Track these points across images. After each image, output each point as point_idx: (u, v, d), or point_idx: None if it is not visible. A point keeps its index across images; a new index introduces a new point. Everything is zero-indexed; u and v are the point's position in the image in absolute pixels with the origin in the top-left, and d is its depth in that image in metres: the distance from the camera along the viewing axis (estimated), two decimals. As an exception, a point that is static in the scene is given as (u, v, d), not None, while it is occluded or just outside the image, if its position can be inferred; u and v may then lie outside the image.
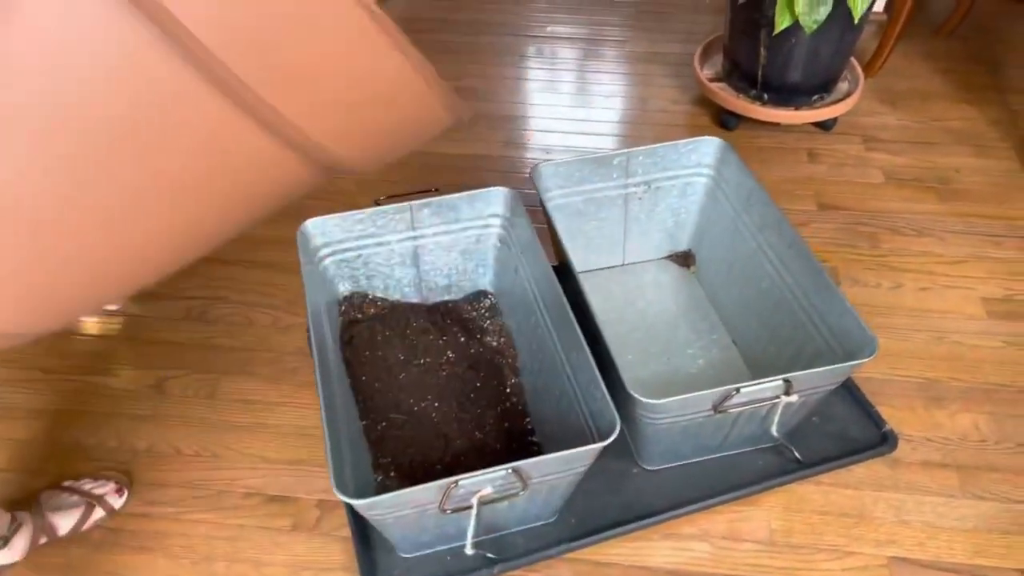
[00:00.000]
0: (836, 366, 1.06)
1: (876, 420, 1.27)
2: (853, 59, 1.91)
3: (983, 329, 1.44)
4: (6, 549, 1.12)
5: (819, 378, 1.07)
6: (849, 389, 1.32)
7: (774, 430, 1.14)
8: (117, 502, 1.21)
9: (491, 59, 2.21)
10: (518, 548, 1.14)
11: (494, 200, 1.34)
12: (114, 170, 0.58)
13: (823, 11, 1.58)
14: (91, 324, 1.49)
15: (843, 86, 1.91)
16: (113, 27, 0.52)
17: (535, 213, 1.33)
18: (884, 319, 1.46)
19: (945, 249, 1.60)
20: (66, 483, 1.22)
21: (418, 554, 1.13)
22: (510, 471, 0.96)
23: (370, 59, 0.60)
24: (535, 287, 1.26)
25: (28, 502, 1.20)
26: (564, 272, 1.25)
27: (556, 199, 1.41)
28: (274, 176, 0.65)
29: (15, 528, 1.13)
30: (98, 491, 1.21)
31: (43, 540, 1.16)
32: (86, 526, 1.18)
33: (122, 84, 0.54)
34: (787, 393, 1.07)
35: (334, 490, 0.92)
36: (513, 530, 1.16)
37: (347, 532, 1.16)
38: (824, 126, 1.91)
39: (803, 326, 1.22)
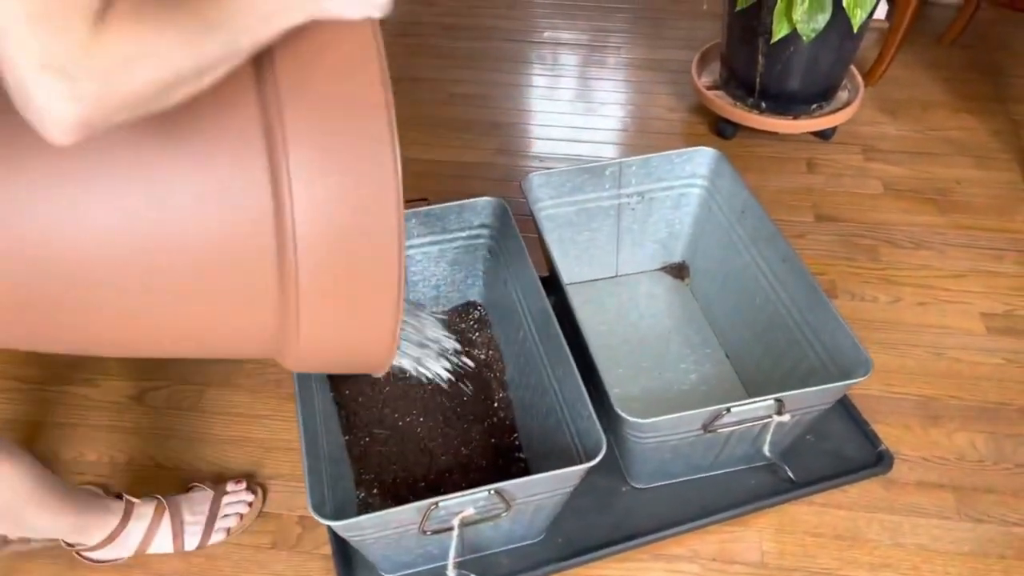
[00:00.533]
0: (829, 386, 1.04)
1: (871, 439, 1.25)
2: (853, 68, 1.89)
3: (982, 346, 1.41)
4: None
5: (812, 397, 1.05)
6: (844, 407, 1.29)
7: (766, 449, 1.11)
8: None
9: (486, 64, 2.19)
10: (503, 568, 1.11)
11: (483, 210, 1.31)
12: (157, 287, 0.68)
13: (821, 19, 1.56)
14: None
15: (843, 95, 1.88)
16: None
17: (528, 223, 1.31)
18: (881, 334, 1.43)
19: (944, 263, 1.57)
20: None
21: (400, 574, 1.10)
22: (492, 492, 0.94)
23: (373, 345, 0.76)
24: (523, 299, 1.24)
25: None
26: (554, 284, 1.23)
27: (547, 209, 1.39)
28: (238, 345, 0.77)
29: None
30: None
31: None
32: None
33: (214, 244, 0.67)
34: (779, 412, 1.05)
35: (310, 511, 0.90)
36: (498, 550, 1.13)
37: (329, 550, 1.13)
38: (823, 135, 1.88)
39: (797, 343, 1.20)
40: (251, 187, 0.66)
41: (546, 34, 2.32)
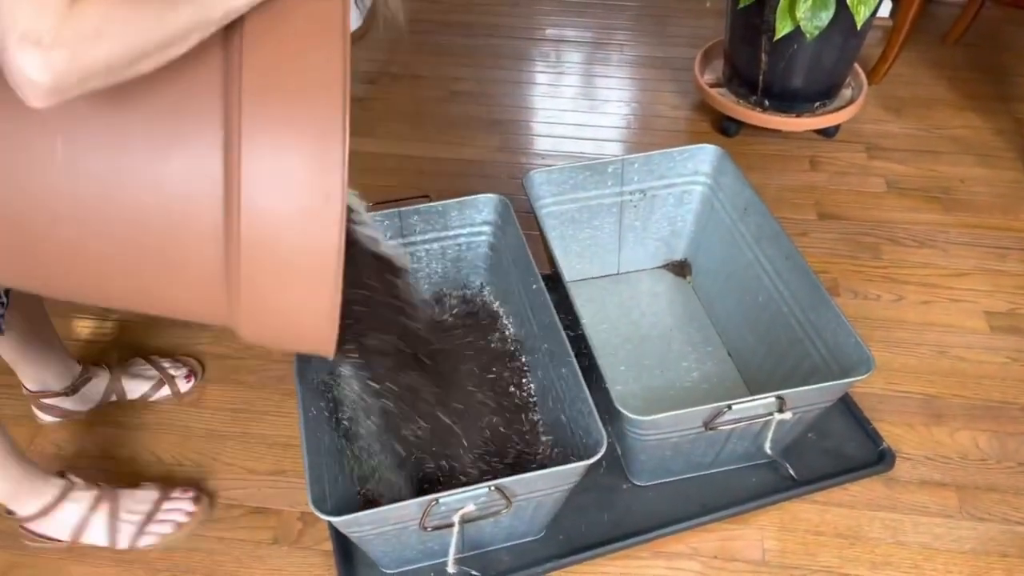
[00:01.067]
0: (830, 384, 1.03)
1: (873, 437, 1.24)
2: (857, 65, 1.88)
3: (986, 344, 1.41)
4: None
5: (813, 395, 1.05)
6: (847, 405, 1.29)
7: (767, 447, 1.11)
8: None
9: (487, 62, 2.19)
10: (503, 565, 1.11)
11: (484, 207, 1.31)
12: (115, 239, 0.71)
13: (825, 17, 1.55)
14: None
15: (846, 93, 1.88)
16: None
17: (529, 220, 1.31)
18: (884, 333, 1.43)
19: (948, 261, 1.57)
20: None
21: (401, 570, 1.10)
22: (493, 489, 0.94)
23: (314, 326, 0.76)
24: (525, 296, 1.23)
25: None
26: (556, 281, 1.22)
27: (549, 206, 1.39)
28: (190, 303, 0.78)
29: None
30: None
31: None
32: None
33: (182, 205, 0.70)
34: (780, 410, 1.04)
35: (311, 506, 0.90)
36: (499, 547, 1.13)
37: (330, 546, 1.13)
38: (826, 133, 1.88)
39: (800, 341, 1.20)
40: (205, 149, 0.68)
41: (549, 31, 2.32)
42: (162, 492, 1.17)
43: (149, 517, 1.14)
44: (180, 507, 1.16)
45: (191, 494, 1.18)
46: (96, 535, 1.12)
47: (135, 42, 0.59)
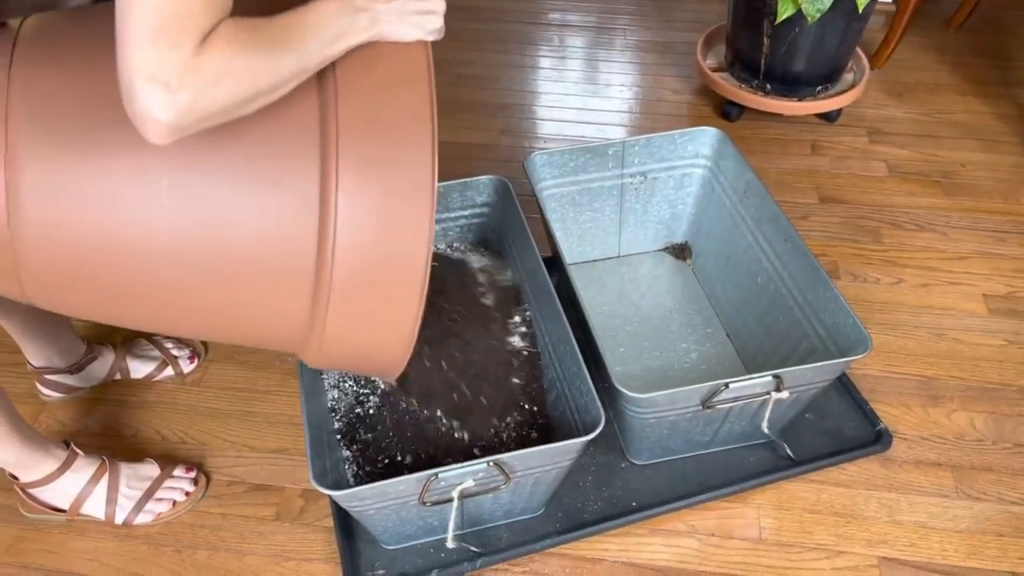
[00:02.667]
0: (827, 363, 1.04)
1: (871, 418, 1.25)
2: (859, 50, 1.88)
3: (984, 327, 1.41)
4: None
5: (810, 374, 1.05)
6: (844, 386, 1.30)
7: (765, 427, 1.12)
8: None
9: (491, 46, 2.19)
10: (502, 542, 1.12)
11: (485, 188, 1.32)
12: (207, 270, 0.75)
13: (827, 0, 1.55)
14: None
15: (848, 77, 1.88)
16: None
17: (531, 203, 1.31)
18: (883, 315, 1.43)
19: (948, 245, 1.57)
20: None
21: (401, 546, 1.12)
22: (492, 464, 0.95)
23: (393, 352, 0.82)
24: (525, 278, 1.24)
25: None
26: (556, 264, 1.23)
27: (550, 189, 1.39)
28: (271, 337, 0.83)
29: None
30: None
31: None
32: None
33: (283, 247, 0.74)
34: (778, 389, 1.05)
35: (311, 480, 0.91)
36: (498, 523, 1.14)
37: (331, 523, 1.15)
38: (828, 117, 1.88)
39: (798, 322, 1.20)
40: (302, 185, 0.72)
41: (553, 16, 2.31)
42: (164, 469, 1.18)
43: (148, 494, 1.15)
44: (180, 486, 1.17)
45: (192, 473, 1.19)
46: (94, 507, 1.13)
47: (248, 88, 0.65)
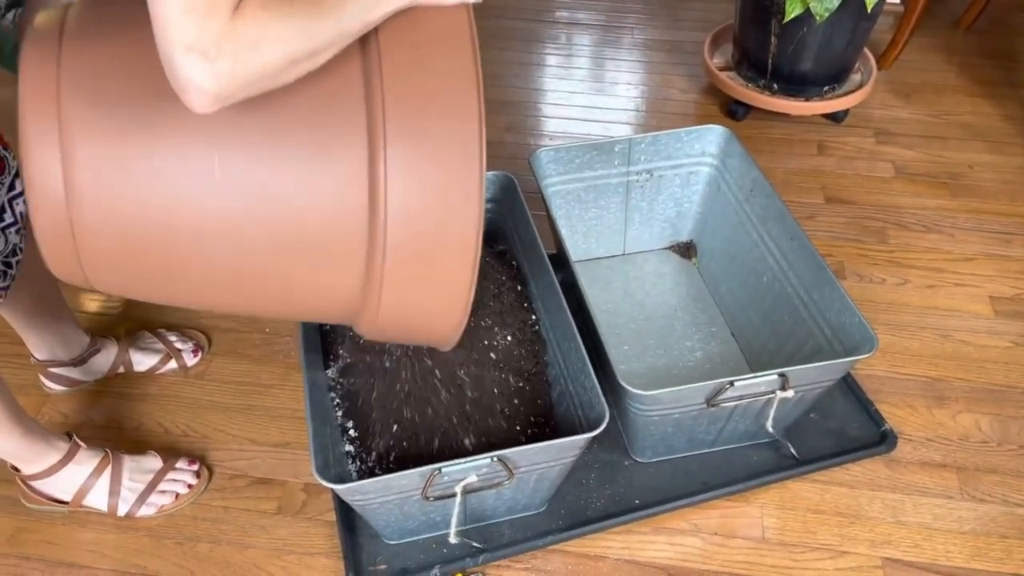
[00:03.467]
0: (832, 362, 1.04)
1: (875, 418, 1.25)
2: (867, 50, 1.87)
3: (990, 328, 1.41)
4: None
5: (815, 373, 1.05)
6: (849, 386, 1.29)
7: (769, 426, 1.12)
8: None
9: (497, 43, 2.18)
10: (505, 538, 1.12)
11: (490, 185, 1.31)
12: (261, 245, 0.75)
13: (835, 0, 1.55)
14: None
15: (855, 77, 1.87)
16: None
17: (536, 200, 1.31)
18: (889, 316, 1.43)
19: (954, 246, 1.57)
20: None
21: (403, 541, 1.11)
22: (495, 459, 0.94)
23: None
24: (530, 276, 1.24)
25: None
26: (561, 261, 1.23)
27: (555, 185, 1.39)
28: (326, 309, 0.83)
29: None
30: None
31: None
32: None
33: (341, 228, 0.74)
34: (783, 388, 1.05)
35: (314, 474, 0.91)
36: (501, 519, 1.14)
37: (333, 517, 1.14)
38: (835, 118, 1.87)
39: (803, 321, 1.20)
40: (350, 155, 0.72)
41: (560, 13, 2.31)
42: (167, 462, 1.18)
43: (151, 487, 1.15)
44: (182, 479, 1.17)
45: (195, 466, 1.19)
46: (97, 499, 1.13)
47: (286, 52, 0.65)
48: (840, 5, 1.56)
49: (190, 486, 1.17)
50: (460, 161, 0.72)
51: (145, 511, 1.14)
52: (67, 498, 1.13)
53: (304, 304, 0.81)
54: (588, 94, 2.01)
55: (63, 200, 0.71)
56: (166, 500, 1.15)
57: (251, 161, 0.72)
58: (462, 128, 0.72)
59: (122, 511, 1.14)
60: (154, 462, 1.17)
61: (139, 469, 1.16)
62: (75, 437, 1.14)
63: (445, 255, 0.75)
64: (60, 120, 0.70)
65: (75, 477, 1.12)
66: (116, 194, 0.72)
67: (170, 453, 1.21)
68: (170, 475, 1.17)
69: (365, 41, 0.73)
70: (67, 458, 1.11)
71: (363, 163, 0.72)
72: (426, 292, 0.78)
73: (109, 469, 1.13)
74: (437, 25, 0.74)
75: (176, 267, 0.76)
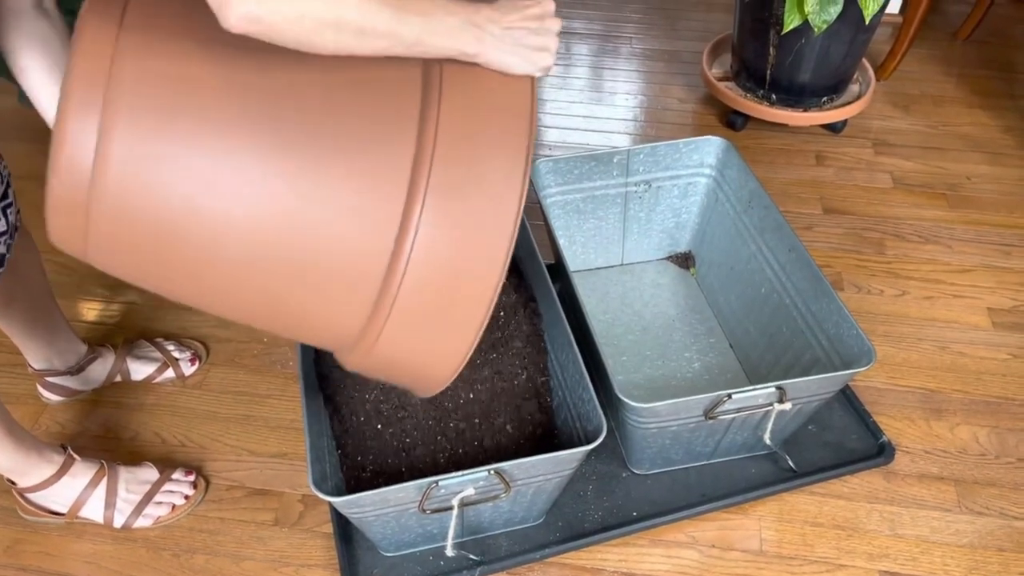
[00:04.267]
0: (830, 375, 1.04)
1: (873, 430, 1.25)
2: (865, 61, 1.88)
3: (988, 340, 1.41)
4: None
5: (813, 386, 1.05)
6: (847, 398, 1.29)
7: (767, 438, 1.11)
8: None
9: (498, 53, 2.19)
10: (502, 551, 1.12)
11: (490, 195, 1.31)
12: (274, 261, 0.73)
13: (833, 11, 1.55)
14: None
15: (854, 88, 1.88)
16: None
17: (534, 209, 1.31)
18: (887, 327, 1.43)
19: (952, 257, 1.57)
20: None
21: (400, 553, 1.11)
22: (492, 472, 0.94)
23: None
24: (529, 285, 1.24)
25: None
26: (560, 271, 1.23)
27: (553, 196, 1.39)
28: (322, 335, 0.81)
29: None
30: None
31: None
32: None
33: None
34: (780, 401, 1.05)
35: (311, 486, 0.91)
36: (498, 532, 1.14)
37: (330, 528, 1.14)
38: (833, 128, 1.88)
39: (801, 333, 1.20)
40: (390, 190, 0.71)
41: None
42: (163, 473, 1.18)
43: (147, 498, 1.15)
44: (179, 489, 1.17)
45: (192, 477, 1.19)
46: (93, 511, 1.13)
47: (332, 11, 0.64)
48: (838, 16, 1.56)
49: (187, 497, 1.17)
50: (493, 228, 0.72)
51: (141, 522, 1.14)
52: (63, 510, 1.13)
53: (300, 325, 0.80)
54: (587, 104, 2.02)
55: (88, 173, 0.68)
56: (162, 511, 1.15)
57: (290, 174, 0.70)
58: (503, 197, 0.71)
59: (118, 523, 1.14)
60: (150, 473, 1.17)
61: (135, 480, 1.15)
62: (69, 449, 1.14)
63: (455, 314, 0.75)
64: (107, 89, 0.67)
65: (70, 490, 1.12)
66: (145, 182, 0.69)
67: (167, 464, 1.21)
68: (166, 486, 1.16)
69: (428, 86, 0.73)
70: (62, 471, 1.11)
71: (400, 202, 0.71)
72: (424, 344, 0.77)
73: (105, 481, 1.13)
74: (501, 89, 0.74)
75: (184, 266, 0.74)
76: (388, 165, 0.71)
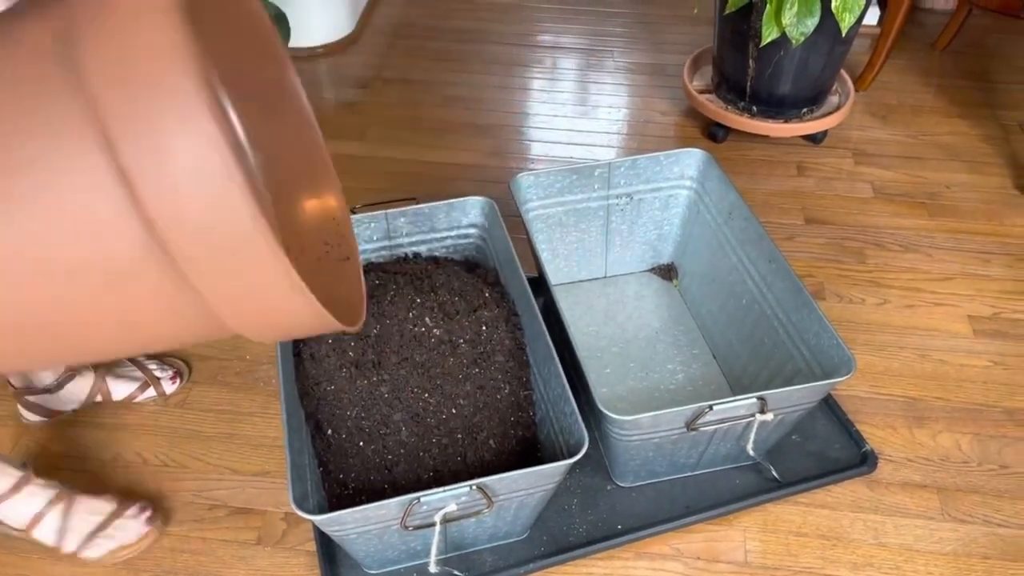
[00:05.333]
0: (811, 384, 1.04)
1: (856, 439, 1.25)
2: (844, 72, 1.90)
3: (969, 348, 1.42)
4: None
5: (795, 396, 1.05)
6: (830, 407, 1.29)
7: (750, 449, 1.12)
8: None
9: (479, 67, 2.20)
10: (487, 566, 1.11)
11: (471, 209, 1.32)
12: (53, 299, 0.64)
13: (810, 23, 1.57)
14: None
15: (833, 99, 1.89)
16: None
17: (517, 223, 1.31)
18: (868, 336, 1.44)
19: (932, 266, 1.58)
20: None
21: (384, 570, 1.11)
22: (474, 488, 0.94)
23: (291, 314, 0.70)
24: (511, 299, 1.24)
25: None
26: (542, 284, 1.23)
27: (536, 210, 1.39)
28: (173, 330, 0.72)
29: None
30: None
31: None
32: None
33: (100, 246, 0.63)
34: (762, 411, 1.05)
35: (292, 505, 0.90)
36: (482, 547, 1.13)
37: (313, 547, 1.14)
38: (813, 139, 1.89)
39: (783, 344, 1.20)
40: (84, 161, 0.60)
41: (542, 38, 2.33)
42: (119, 506, 1.16)
43: (100, 528, 1.13)
44: (130, 527, 1.15)
45: (147, 513, 1.16)
46: (46, 533, 1.12)
47: None
48: (815, 28, 1.58)
49: (140, 535, 1.15)
50: (196, 141, 0.60)
51: (90, 553, 1.13)
52: (19, 526, 1.11)
53: (142, 335, 0.72)
54: (571, 117, 2.03)
55: None
56: (112, 545, 1.13)
57: None
58: (185, 104, 0.59)
59: (68, 548, 1.12)
60: (106, 506, 1.15)
61: (90, 510, 1.14)
62: (30, 469, 1.12)
63: (232, 241, 0.65)
64: None
65: (25, 507, 1.10)
66: None
67: (150, 483, 1.20)
68: (117, 522, 1.15)
69: (62, 56, 0.60)
70: (15, 489, 1.09)
71: (109, 186, 0.61)
72: (244, 283, 0.67)
73: (61, 506, 1.12)
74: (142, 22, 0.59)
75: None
76: (57, 131, 0.61)
